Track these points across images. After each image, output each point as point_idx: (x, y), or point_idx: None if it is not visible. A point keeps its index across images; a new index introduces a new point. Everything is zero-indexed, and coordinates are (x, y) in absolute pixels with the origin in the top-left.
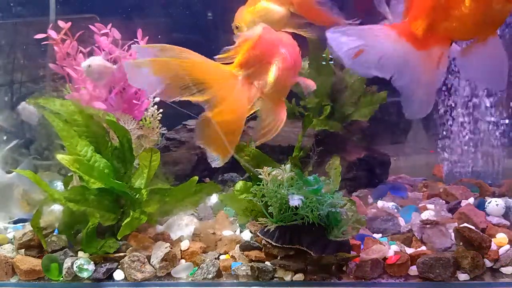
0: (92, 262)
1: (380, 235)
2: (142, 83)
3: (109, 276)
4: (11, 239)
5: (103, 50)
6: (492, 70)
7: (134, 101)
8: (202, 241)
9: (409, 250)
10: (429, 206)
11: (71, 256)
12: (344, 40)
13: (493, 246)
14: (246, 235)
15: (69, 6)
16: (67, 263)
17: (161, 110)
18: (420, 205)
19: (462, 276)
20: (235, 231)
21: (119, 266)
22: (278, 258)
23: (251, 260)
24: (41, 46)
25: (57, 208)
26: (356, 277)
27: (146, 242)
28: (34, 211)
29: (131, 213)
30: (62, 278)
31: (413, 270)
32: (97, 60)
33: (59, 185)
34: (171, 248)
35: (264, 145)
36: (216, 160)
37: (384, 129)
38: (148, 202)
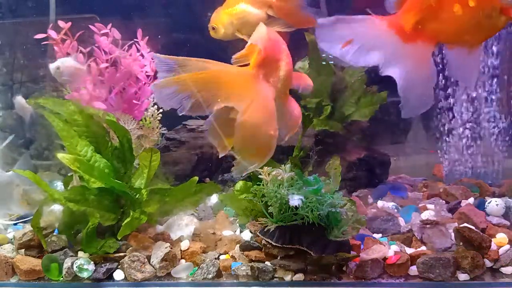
0: (92, 262)
1: (380, 235)
2: (172, 103)
3: (109, 276)
4: (11, 239)
5: (103, 50)
6: (464, 76)
7: (134, 101)
8: (202, 241)
9: (409, 250)
10: (429, 206)
11: (71, 256)
12: (333, 29)
13: (493, 246)
14: (246, 235)
15: (69, 6)
16: (67, 263)
17: (161, 110)
18: (420, 205)
19: (462, 276)
20: (235, 231)
21: (119, 266)
22: (278, 258)
23: (251, 260)
24: (41, 46)
25: (57, 208)
26: (356, 277)
27: (146, 242)
28: (34, 211)
29: (131, 213)
30: (62, 278)
31: (413, 270)
32: (67, 62)
33: (59, 185)
34: (171, 248)
35: None
36: (251, 167)
37: (384, 129)
38: (148, 202)
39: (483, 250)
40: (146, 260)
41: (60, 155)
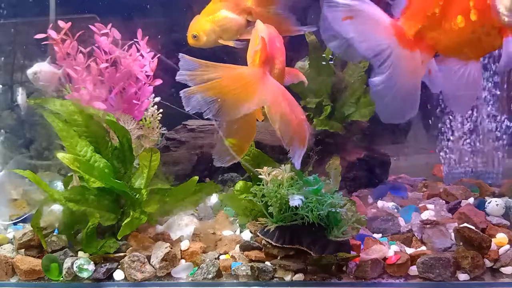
0: (92, 262)
1: (380, 235)
2: (201, 107)
3: (109, 276)
4: (11, 239)
5: (103, 50)
6: (461, 93)
7: (134, 101)
8: (202, 241)
9: (409, 250)
10: (429, 206)
11: (71, 256)
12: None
13: (493, 246)
14: (246, 235)
15: (69, 6)
16: (67, 263)
17: (161, 110)
18: (420, 205)
19: (462, 276)
20: (235, 231)
21: (119, 266)
22: (278, 258)
23: (251, 260)
24: (41, 46)
25: (57, 208)
26: (356, 277)
27: (146, 242)
28: (34, 211)
29: (131, 213)
30: (62, 278)
31: (413, 270)
32: (44, 67)
33: (59, 185)
34: (171, 248)
35: (264, 145)
36: (301, 152)
37: (384, 129)
38: (148, 202)
39: (483, 250)
40: (146, 260)
41: (60, 155)
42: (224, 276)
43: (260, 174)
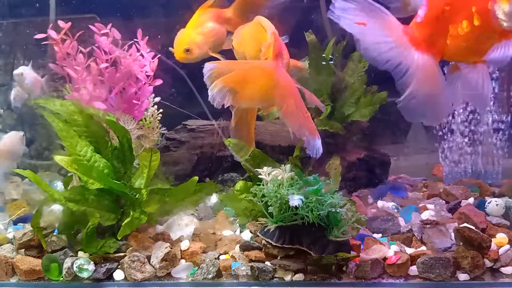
0: (92, 262)
1: (380, 235)
2: (222, 98)
3: (109, 276)
4: (11, 239)
5: (103, 50)
6: (475, 94)
7: (134, 101)
8: (202, 241)
9: (409, 250)
10: (429, 206)
11: (71, 256)
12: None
13: (493, 246)
14: (246, 235)
15: (69, 6)
16: (67, 263)
17: (161, 110)
18: (420, 205)
19: (462, 276)
20: (235, 231)
21: (119, 266)
22: (278, 258)
23: (251, 260)
24: (41, 46)
25: (57, 208)
26: (356, 277)
27: (146, 242)
28: (34, 211)
29: (131, 213)
30: (62, 278)
31: (413, 270)
32: (28, 69)
33: (59, 185)
34: (171, 248)
35: (264, 145)
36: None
37: (384, 129)
38: (148, 202)
39: (483, 250)
40: (146, 260)
41: (58, 158)
42: (224, 276)
43: (260, 174)
